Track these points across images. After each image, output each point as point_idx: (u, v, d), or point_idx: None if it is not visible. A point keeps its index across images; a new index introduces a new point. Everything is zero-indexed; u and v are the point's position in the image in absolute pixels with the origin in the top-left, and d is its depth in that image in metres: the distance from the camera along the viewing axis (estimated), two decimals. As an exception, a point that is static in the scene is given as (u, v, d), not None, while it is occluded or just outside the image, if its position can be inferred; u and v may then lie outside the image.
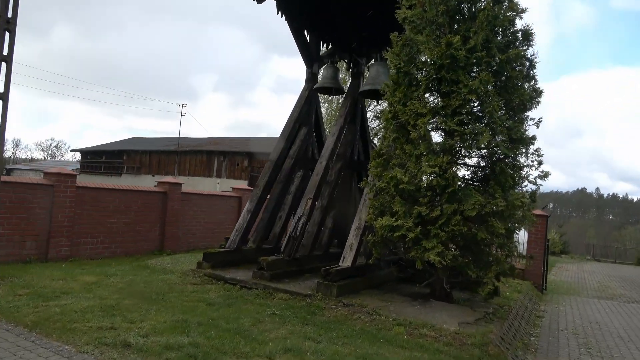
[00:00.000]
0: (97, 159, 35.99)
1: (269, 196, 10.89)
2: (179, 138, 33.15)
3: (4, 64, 7.40)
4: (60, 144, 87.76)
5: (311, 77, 11.93)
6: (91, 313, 5.88)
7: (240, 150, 26.63)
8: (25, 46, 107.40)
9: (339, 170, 10.99)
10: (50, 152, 79.66)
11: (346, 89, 11.63)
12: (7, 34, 7.43)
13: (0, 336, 4.96)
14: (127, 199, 11.28)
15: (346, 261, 8.47)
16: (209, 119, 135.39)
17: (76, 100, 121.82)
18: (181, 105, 48.94)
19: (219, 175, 27.52)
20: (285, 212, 11.46)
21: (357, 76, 11.49)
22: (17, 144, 79.08)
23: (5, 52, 7.40)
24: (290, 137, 11.32)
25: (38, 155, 79.62)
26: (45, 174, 9.97)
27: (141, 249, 11.62)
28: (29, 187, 9.37)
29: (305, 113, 11.72)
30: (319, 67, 12.11)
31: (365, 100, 13.54)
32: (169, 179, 12.53)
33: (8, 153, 69.28)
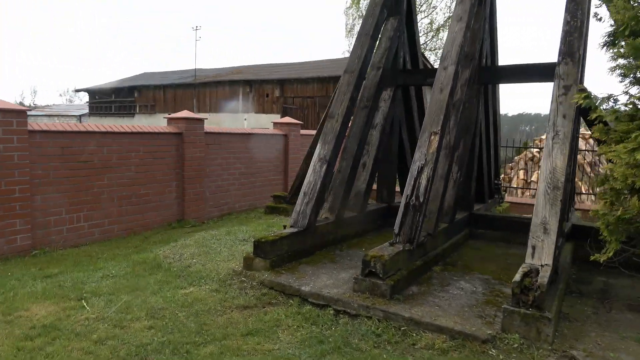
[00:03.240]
0: (106, 98, 31.77)
1: (347, 132, 6.56)
2: (195, 70, 28.49)
3: None
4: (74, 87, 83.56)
5: None
6: None
7: (269, 78, 21.97)
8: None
9: (469, 82, 6.52)
10: (68, 97, 75.48)
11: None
12: None
13: None
14: (123, 147, 7.13)
15: (541, 257, 4.26)
16: (229, 47, 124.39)
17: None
18: (195, 29, 38.58)
19: (245, 110, 23.14)
20: (371, 156, 7.17)
21: None
22: (35, 91, 74.80)
23: None
24: (375, 34, 6.76)
25: (57, 101, 75.83)
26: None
27: (151, 222, 7.64)
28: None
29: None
30: None
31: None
32: (184, 113, 8.28)
33: (27, 100, 65.27)
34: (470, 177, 7.38)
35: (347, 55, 31.68)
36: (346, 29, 31.71)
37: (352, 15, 31.23)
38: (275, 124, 10.63)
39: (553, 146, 4.75)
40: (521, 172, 17.82)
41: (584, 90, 4.48)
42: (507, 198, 11.58)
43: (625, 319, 4.20)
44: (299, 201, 5.75)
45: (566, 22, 5.36)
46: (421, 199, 5.10)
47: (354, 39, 6.79)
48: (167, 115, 8.54)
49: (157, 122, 24.15)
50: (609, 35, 4.42)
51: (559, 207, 4.47)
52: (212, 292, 4.64)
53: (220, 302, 4.42)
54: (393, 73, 7.41)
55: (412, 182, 5.20)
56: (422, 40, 30.73)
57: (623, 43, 4.15)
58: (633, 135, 3.77)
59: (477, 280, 5.09)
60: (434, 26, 30.32)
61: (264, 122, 21.75)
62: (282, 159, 10.41)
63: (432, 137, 5.40)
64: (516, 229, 6.81)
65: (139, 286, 4.76)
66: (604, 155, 4.37)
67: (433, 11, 29.80)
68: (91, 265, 5.60)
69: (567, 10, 5.42)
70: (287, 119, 10.66)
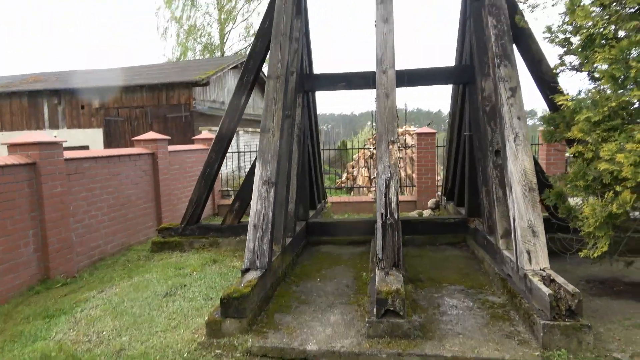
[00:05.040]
0: None
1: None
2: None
3: None
4: None
5: None
6: None
7: (85, 87, 18.70)
8: None
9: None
10: None
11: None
12: None
13: None
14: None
15: (538, 261, 4.21)
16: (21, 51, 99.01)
17: None
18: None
19: (54, 125, 19.28)
20: (294, 171, 6.40)
21: None
22: None
23: None
24: (292, 35, 6.01)
25: None
26: None
27: (5, 290, 5.46)
28: None
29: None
30: None
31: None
32: (36, 136, 6.19)
33: None
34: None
35: (166, 59, 29.41)
36: (157, 31, 29.31)
37: (165, 16, 29.02)
38: (137, 141, 8.85)
39: (517, 148, 4.79)
40: (364, 170, 18.87)
41: (562, 93, 4.60)
42: (354, 197, 12.05)
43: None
44: (250, 236, 4.69)
45: (493, 26, 5.51)
46: (396, 216, 4.63)
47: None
48: (8, 141, 6.25)
49: None
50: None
51: (539, 209, 4.50)
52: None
53: (211, 396, 3.21)
54: (301, 78, 6.78)
55: (383, 198, 4.70)
56: (241, 45, 30.35)
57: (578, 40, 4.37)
58: (617, 134, 3.95)
59: (457, 294, 4.85)
60: (251, 31, 30.14)
61: (81, 139, 18.56)
62: (152, 183, 8.74)
63: (391, 146, 4.97)
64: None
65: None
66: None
67: (250, 15, 29.63)
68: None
69: (490, 14, 5.58)
70: (152, 134, 8.99)
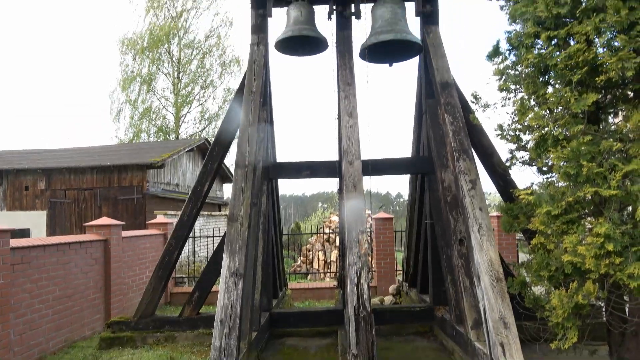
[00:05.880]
0: None
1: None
2: None
3: None
4: None
5: (261, 24, 7.00)
6: None
7: (30, 167, 17.98)
8: None
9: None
10: None
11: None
12: None
13: None
14: None
15: (512, 354, 4.22)
16: None
17: None
18: None
19: (-9, 207, 18.15)
20: (259, 261, 6.25)
21: (345, 23, 7.02)
22: None
23: None
24: (259, 125, 6.18)
25: None
26: None
27: None
28: None
29: (261, 85, 6.68)
30: (273, 6, 7.19)
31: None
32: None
33: None
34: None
35: (118, 140, 29.07)
36: (111, 113, 29.23)
37: (119, 99, 29.14)
38: (90, 227, 8.44)
39: (482, 238, 4.96)
40: (320, 254, 18.73)
41: (517, 187, 4.89)
42: (314, 284, 11.93)
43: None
44: (217, 333, 4.43)
45: (450, 122, 5.91)
46: (368, 308, 4.56)
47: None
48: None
49: None
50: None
51: (508, 299, 4.59)
52: None
53: None
54: (266, 166, 6.87)
55: (355, 290, 4.64)
56: (196, 128, 30.68)
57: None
58: (575, 226, 4.20)
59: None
60: (206, 115, 30.67)
61: (23, 221, 17.53)
62: (102, 272, 8.22)
63: (361, 236, 5.02)
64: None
65: None
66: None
67: (205, 101, 30.29)
68: None
69: (447, 111, 6.01)
70: (106, 220, 8.62)
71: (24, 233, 16.23)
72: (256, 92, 6.25)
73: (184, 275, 11.52)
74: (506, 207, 5.43)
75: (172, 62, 29.57)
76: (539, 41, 4.70)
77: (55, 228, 17.35)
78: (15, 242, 6.10)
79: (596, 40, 4.17)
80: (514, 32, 5.09)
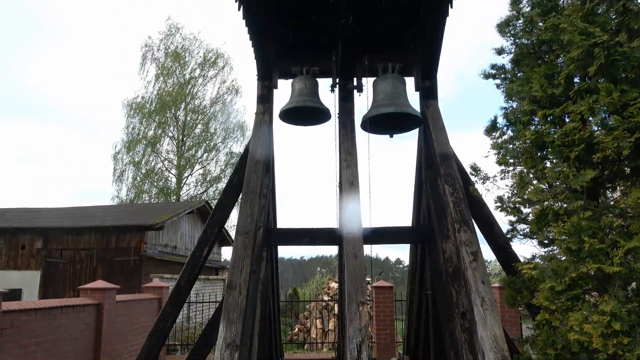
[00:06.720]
0: None
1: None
2: None
3: None
4: None
5: (267, 95, 7.27)
6: None
7: (27, 227, 17.91)
8: None
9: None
10: None
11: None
12: None
13: None
14: None
15: None
16: None
17: None
18: None
19: (-17, 266, 17.87)
20: (255, 330, 6.07)
21: (347, 95, 7.29)
22: None
23: None
24: (262, 192, 6.25)
25: None
26: None
27: None
28: None
29: (265, 153, 6.84)
30: (278, 78, 7.52)
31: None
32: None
33: None
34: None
35: (119, 200, 29.16)
36: (114, 174, 29.54)
37: (123, 160, 29.56)
38: (84, 290, 8.28)
39: (485, 313, 4.85)
40: (318, 322, 18.19)
41: (521, 261, 4.87)
42: (311, 355, 11.48)
43: None
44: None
45: (450, 194, 5.96)
46: (369, 386, 4.37)
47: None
48: None
49: None
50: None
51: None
52: None
53: None
54: (267, 233, 6.85)
55: (355, 366, 4.47)
56: (197, 191, 30.85)
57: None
58: (579, 303, 4.13)
59: None
60: (208, 177, 30.99)
61: (15, 281, 17.22)
62: (93, 338, 7.95)
63: (361, 307, 4.91)
64: None
65: None
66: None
67: (208, 164, 30.75)
68: None
69: (446, 182, 6.08)
70: (100, 283, 8.47)
71: (15, 294, 15.89)
72: (259, 159, 6.37)
73: (176, 343, 11.13)
74: (509, 280, 5.37)
75: (177, 125, 30.36)
76: (535, 118, 4.87)
77: (47, 288, 17.02)
78: (6, 305, 5.96)
79: (590, 119, 4.32)
80: (510, 108, 5.29)
